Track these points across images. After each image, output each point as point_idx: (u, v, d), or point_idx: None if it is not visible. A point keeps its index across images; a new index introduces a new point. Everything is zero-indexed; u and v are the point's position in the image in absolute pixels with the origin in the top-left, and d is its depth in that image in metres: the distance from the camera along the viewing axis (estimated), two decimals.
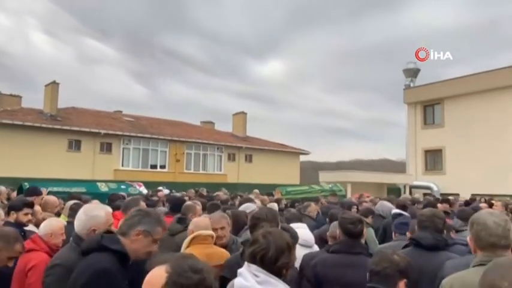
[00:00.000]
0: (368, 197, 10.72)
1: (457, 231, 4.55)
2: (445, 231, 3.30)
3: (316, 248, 3.85)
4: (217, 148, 28.91)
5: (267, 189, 14.99)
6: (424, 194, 20.20)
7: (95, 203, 5.01)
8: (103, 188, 9.53)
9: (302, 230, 3.82)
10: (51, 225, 3.35)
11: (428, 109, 27.33)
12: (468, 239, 2.16)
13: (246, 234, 4.20)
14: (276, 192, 12.15)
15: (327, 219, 5.21)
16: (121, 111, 31.95)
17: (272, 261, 1.90)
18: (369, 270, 2.26)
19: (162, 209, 6.47)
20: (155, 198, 8.23)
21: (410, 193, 24.58)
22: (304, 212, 6.07)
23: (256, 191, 13.09)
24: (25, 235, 3.41)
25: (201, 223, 3.46)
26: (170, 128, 29.50)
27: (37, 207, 4.78)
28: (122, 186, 9.91)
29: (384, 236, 5.89)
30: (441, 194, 20.72)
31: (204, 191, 11.42)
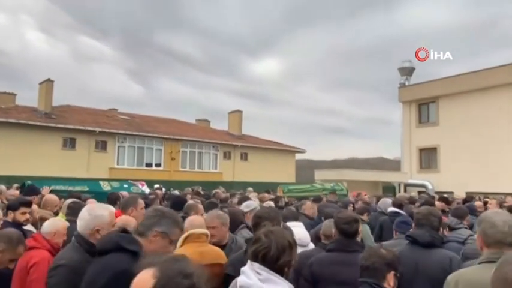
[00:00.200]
0: (365, 195, 10.79)
1: (453, 229, 4.58)
2: (441, 229, 3.34)
3: (311, 246, 3.87)
4: (213, 146, 28.88)
5: (263, 188, 14.99)
6: (419, 192, 20.30)
7: (91, 202, 5.01)
8: (105, 186, 9.46)
9: (298, 229, 3.84)
10: (56, 225, 3.37)
11: (423, 107, 27.43)
12: (476, 236, 2.24)
13: (242, 233, 4.21)
14: (278, 191, 12.18)
15: (322, 218, 5.24)
16: (116, 109, 31.85)
17: (274, 259, 1.93)
18: (359, 265, 2.33)
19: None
20: (152, 196, 8.21)
21: (405, 191, 24.70)
22: (300, 210, 6.09)
23: (250, 189, 13.11)
24: (25, 235, 3.40)
25: (195, 222, 3.46)
26: (165, 126, 29.43)
27: (34, 206, 4.76)
28: (125, 185, 9.84)
29: (380, 233, 5.95)
30: (436, 192, 20.82)
31: (200, 190, 11.41)
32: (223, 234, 3.72)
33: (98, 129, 23.37)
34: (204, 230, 3.37)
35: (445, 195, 8.69)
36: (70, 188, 8.91)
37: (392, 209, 6.41)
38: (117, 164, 24.52)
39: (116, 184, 9.89)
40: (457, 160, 23.89)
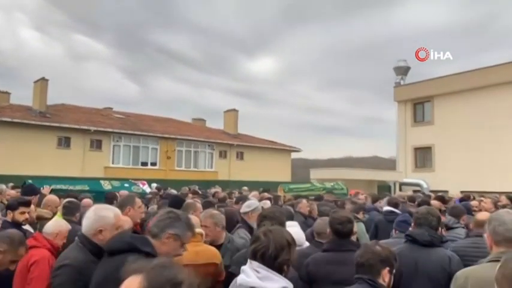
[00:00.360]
0: (362, 194, 10.87)
1: (450, 228, 4.61)
2: (440, 229, 3.38)
3: (307, 245, 3.90)
4: (209, 145, 28.85)
5: (258, 187, 14.99)
6: (414, 191, 20.39)
7: (88, 202, 5.00)
8: (106, 186, 9.38)
9: (293, 229, 3.85)
10: (60, 226, 3.40)
11: (418, 107, 27.55)
12: (485, 236, 2.28)
13: (238, 233, 4.21)
14: (279, 190, 12.21)
15: (317, 216, 5.28)
16: (111, 108, 31.75)
17: (272, 257, 1.97)
18: (355, 263, 2.37)
19: (154, 207, 6.45)
20: (149, 196, 8.20)
21: (400, 190, 24.80)
22: (296, 209, 6.11)
23: (245, 188, 13.13)
24: (25, 235, 3.41)
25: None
26: (161, 125, 29.37)
27: (31, 206, 4.75)
28: (126, 185, 9.77)
29: (375, 233, 5.98)
30: (430, 191, 20.93)
31: (196, 189, 11.39)
32: (217, 234, 3.70)
33: (93, 128, 23.28)
34: (199, 230, 3.38)
35: (441, 194, 8.74)
36: (71, 187, 8.87)
37: (387, 208, 6.46)
38: (113, 163, 24.43)
39: (116, 183, 9.81)
40: (451, 159, 24.02)
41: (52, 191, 7.39)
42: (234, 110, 32.97)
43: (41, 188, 7.18)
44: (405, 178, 26.58)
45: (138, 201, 3.86)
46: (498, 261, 1.88)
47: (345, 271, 2.82)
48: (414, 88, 27.44)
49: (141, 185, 10.13)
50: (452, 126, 24.33)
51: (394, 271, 2.32)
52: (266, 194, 8.53)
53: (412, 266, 2.96)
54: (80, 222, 5.05)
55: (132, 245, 2.20)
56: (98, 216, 2.62)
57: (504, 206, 6.73)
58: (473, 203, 7.40)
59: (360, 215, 6.03)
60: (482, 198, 9.10)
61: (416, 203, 7.31)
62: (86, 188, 8.93)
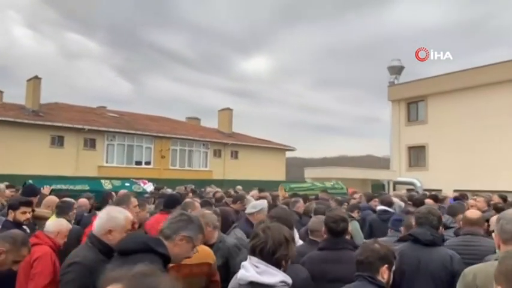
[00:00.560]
0: (356, 193, 10.97)
1: (447, 227, 4.65)
2: (441, 228, 3.42)
3: (300, 242, 3.92)
4: (203, 144, 28.81)
5: (253, 186, 14.99)
6: (408, 190, 20.50)
7: (82, 202, 4.99)
8: (107, 185, 9.25)
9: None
10: (61, 225, 3.44)
11: (412, 106, 27.69)
12: (493, 234, 2.34)
13: (235, 233, 4.22)
14: (279, 189, 12.25)
15: (311, 215, 5.29)
16: (105, 107, 31.59)
17: (270, 253, 2.04)
18: (355, 261, 2.43)
19: (151, 206, 6.43)
20: (146, 195, 8.16)
21: (394, 189, 24.93)
22: (293, 208, 6.12)
23: (239, 187, 13.14)
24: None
25: None
26: (155, 124, 29.28)
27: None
28: (126, 184, 9.66)
29: (370, 232, 6.02)
30: (424, 190, 21.07)
31: (192, 188, 11.39)
32: (208, 233, 3.70)
33: (86, 127, 23.16)
34: None
35: (434, 193, 8.80)
36: (71, 187, 8.80)
37: (381, 207, 6.50)
38: (106, 162, 24.33)
39: (117, 183, 9.70)
40: (445, 158, 24.19)
41: (52, 191, 7.36)
42: (229, 109, 32.96)
43: (41, 188, 7.17)
44: (399, 177, 26.72)
45: (134, 200, 3.87)
46: None
47: (339, 269, 2.87)
48: (408, 87, 27.58)
49: (142, 184, 10.03)
50: (445, 125, 24.49)
51: (393, 268, 2.38)
52: (268, 194, 8.52)
53: (414, 265, 3.00)
54: (78, 222, 5.07)
55: (148, 246, 2.23)
56: (109, 217, 2.67)
57: (496, 205, 6.79)
58: (470, 202, 7.45)
59: (355, 214, 6.07)
60: (475, 197, 9.17)
61: (411, 202, 7.34)
62: (86, 187, 8.83)
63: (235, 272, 3.21)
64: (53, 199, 5.30)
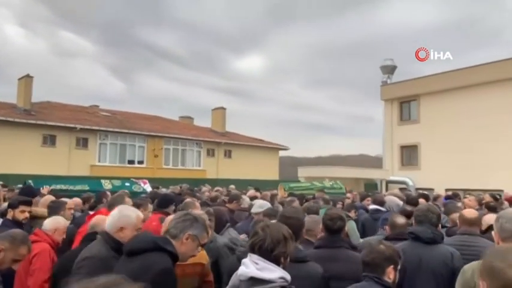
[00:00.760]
0: (351, 192, 11.04)
1: (443, 226, 4.69)
2: (439, 226, 3.46)
3: None
4: (196, 143, 28.75)
5: (246, 185, 15.02)
6: (400, 189, 20.64)
7: (76, 201, 4.98)
8: (107, 185, 9.22)
9: None
10: (58, 223, 3.50)
11: (405, 105, 27.85)
12: (493, 232, 2.41)
13: (229, 233, 4.22)
14: (279, 188, 12.30)
15: (305, 214, 5.30)
16: (98, 106, 31.40)
17: (269, 250, 2.10)
18: (361, 262, 2.49)
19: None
20: (143, 195, 8.13)
21: (387, 188, 25.08)
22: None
23: (232, 186, 13.17)
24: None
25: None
26: (148, 123, 29.16)
27: None
28: (126, 184, 9.63)
29: (362, 231, 6.05)
30: (416, 189, 21.22)
31: (187, 187, 11.36)
32: None
33: (78, 126, 23.01)
34: None
35: (425, 192, 8.88)
36: (71, 187, 8.77)
37: (373, 206, 6.53)
38: (99, 162, 24.19)
39: (117, 182, 9.65)
40: (437, 157, 24.37)
41: (52, 191, 7.35)
42: (222, 108, 32.92)
43: (41, 188, 7.15)
44: (391, 176, 26.87)
45: (129, 200, 3.88)
46: None
47: (335, 267, 2.90)
48: (400, 87, 27.73)
49: (142, 184, 9.99)
50: (437, 125, 24.67)
51: (398, 267, 2.45)
52: (268, 194, 8.53)
53: (416, 263, 3.04)
54: (71, 222, 5.05)
55: (157, 244, 2.32)
56: (121, 215, 2.76)
57: (488, 203, 6.87)
58: (466, 201, 7.53)
59: (352, 214, 6.08)
60: (467, 196, 9.26)
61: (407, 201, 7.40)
62: (86, 187, 8.78)
63: (225, 273, 3.23)
64: (50, 198, 5.31)
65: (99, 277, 1.04)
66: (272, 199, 7.89)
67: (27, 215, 4.19)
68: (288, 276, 2.09)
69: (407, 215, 5.10)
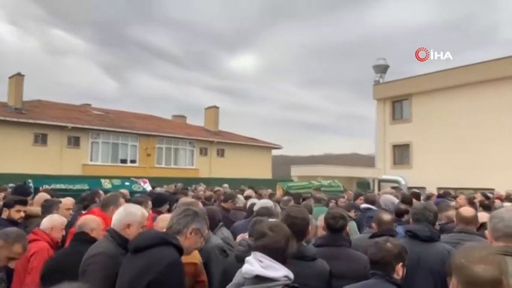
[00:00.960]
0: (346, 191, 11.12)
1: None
2: (437, 223, 3.50)
3: None
4: (189, 142, 28.67)
5: (239, 184, 15.03)
6: (392, 188, 20.77)
7: (68, 200, 4.95)
8: (106, 184, 9.19)
9: None
10: (54, 221, 3.54)
11: (397, 105, 28.02)
12: (486, 232, 2.46)
13: (222, 232, 4.21)
14: (277, 188, 12.32)
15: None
16: (90, 105, 31.20)
17: (282, 250, 2.14)
18: (368, 259, 2.53)
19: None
20: (137, 194, 8.09)
21: (379, 187, 25.22)
22: (285, 207, 6.14)
23: (226, 185, 13.19)
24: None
25: (164, 219, 3.44)
26: (141, 121, 29.02)
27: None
28: (126, 183, 9.59)
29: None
30: (408, 188, 21.37)
31: (181, 187, 11.37)
32: None
33: (70, 125, 22.82)
34: None
35: (417, 191, 8.94)
36: (70, 187, 8.73)
37: (364, 205, 6.59)
38: (91, 161, 24.03)
39: (117, 182, 9.61)
40: (429, 156, 24.56)
41: (51, 190, 7.33)
42: (215, 107, 32.88)
43: (40, 188, 7.13)
44: (384, 175, 27.03)
45: (123, 201, 3.86)
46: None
47: (336, 265, 2.91)
48: (393, 86, 27.89)
49: (142, 183, 9.94)
50: (429, 124, 24.85)
51: (406, 263, 2.50)
52: (266, 192, 8.52)
53: (414, 261, 3.07)
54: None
55: (165, 239, 2.41)
56: (127, 212, 2.82)
57: (482, 202, 6.95)
58: (461, 201, 7.61)
59: (352, 213, 6.09)
60: (456, 195, 9.36)
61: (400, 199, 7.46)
62: (86, 187, 8.73)
63: (216, 274, 3.23)
64: (45, 197, 5.28)
65: (61, 285, 1.07)
66: (270, 198, 7.90)
67: (22, 214, 4.21)
68: (291, 275, 2.11)
69: (401, 213, 5.17)
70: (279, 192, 11.02)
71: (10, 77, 23.78)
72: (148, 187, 9.87)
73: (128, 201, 4.91)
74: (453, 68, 24.32)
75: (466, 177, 21.16)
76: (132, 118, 29.55)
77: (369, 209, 6.30)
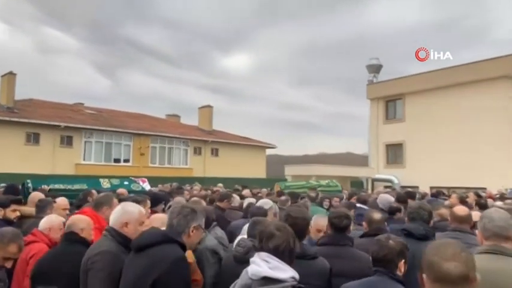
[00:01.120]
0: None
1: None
2: (431, 222, 3.54)
3: None
4: (183, 142, 28.60)
5: (233, 183, 15.02)
6: (385, 187, 20.88)
7: (63, 200, 4.92)
8: (105, 184, 9.13)
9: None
10: (51, 221, 3.50)
11: (390, 104, 28.15)
12: (477, 231, 2.54)
13: (215, 232, 4.21)
14: (275, 187, 12.33)
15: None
16: (82, 104, 31.03)
17: (290, 251, 2.14)
18: (371, 257, 2.56)
19: None
20: (131, 194, 8.05)
21: (373, 186, 25.35)
22: (283, 207, 6.15)
23: (220, 185, 13.18)
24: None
25: (157, 219, 3.42)
26: (134, 121, 28.91)
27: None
28: (125, 183, 9.51)
29: None
30: (401, 187, 21.49)
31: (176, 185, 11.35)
32: None
33: (63, 124, 22.67)
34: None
35: (412, 190, 9.01)
36: (69, 187, 8.69)
37: (358, 205, 6.65)
38: (84, 160, 23.89)
39: (116, 181, 9.55)
40: (421, 156, 24.70)
41: (50, 191, 7.30)
42: (209, 106, 32.83)
43: (39, 188, 7.09)
44: (377, 174, 27.16)
45: (116, 201, 3.85)
46: (487, 253, 2.24)
47: (338, 264, 2.92)
48: (386, 86, 28.02)
49: (141, 183, 9.89)
50: (422, 123, 24.99)
51: (407, 259, 2.55)
52: (265, 191, 8.51)
53: (409, 258, 3.09)
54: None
55: (169, 237, 2.47)
56: (124, 211, 2.83)
57: (479, 201, 7.04)
58: (453, 200, 7.70)
59: (352, 213, 6.15)
60: (449, 195, 9.44)
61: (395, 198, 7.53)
62: (85, 187, 8.66)
63: (208, 277, 3.22)
64: (38, 196, 5.24)
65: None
66: (266, 198, 7.91)
67: (18, 214, 4.21)
68: (297, 275, 2.10)
69: (393, 211, 5.30)
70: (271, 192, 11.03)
71: (2, 76, 23.61)
72: (147, 186, 9.84)
73: (121, 200, 4.89)
74: (446, 68, 24.47)
75: (459, 176, 21.31)
76: (126, 117, 29.43)
77: (361, 208, 6.36)
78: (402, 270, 2.47)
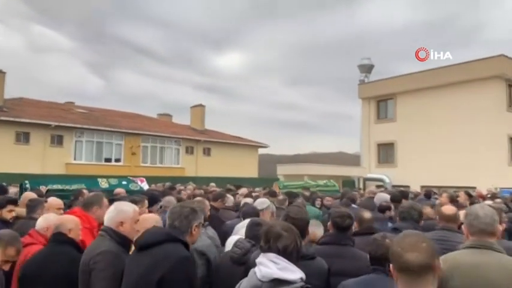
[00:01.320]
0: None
1: None
2: (421, 221, 3.58)
3: None
4: (175, 141, 28.51)
5: (226, 183, 14.99)
6: (377, 186, 20.99)
7: (55, 200, 4.87)
8: (103, 184, 9.08)
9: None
10: (48, 221, 3.46)
11: (382, 104, 28.30)
12: (463, 227, 2.61)
13: (207, 232, 4.20)
14: (274, 187, 12.33)
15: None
16: (73, 103, 30.80)
17: (298, 250, 2.15)
18: (368, 255, 2.62)
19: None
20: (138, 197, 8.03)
21: (364, 185, 25.46)
22: (281, 206, 6.16)
23: (213, 184, 13.16)
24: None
25: (149, 219, 3.41)
26: (125, 120, 28.75)
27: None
28: (123, 182, 9.47)
29: None
30: (393, 186, 21.62)
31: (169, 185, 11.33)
32: None
33: (53, 123, 22.47)
34: None
35: (405, 190, 9.07)
36: (67, 187, 8.62)
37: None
38: (75, 160, 23.70)
39: (114, 181, 9.49)
40: (412, 155, 24.86)
41: (48, 191, 7.25)
42: (201, 105, 32.75)
43: (36, 189, 7.04)
44: (369, 173, 27.30)
45: (106, 201, 3.82)
46: (473, 247, 2.32)
47: (339, 263, 2.96)
48: (377, 86, 28.16)
49: (139, 182, 9.83)
50: (413, 123, 25.15)
51: None
52: (262, 191, 8.51)
53: None
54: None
55: (173, 236, 2.49)
56: (118, 210, 2.84)
57: (473, 201, 7.11)
58: (443, 199, 7.79)
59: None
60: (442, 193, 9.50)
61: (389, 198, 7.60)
62: (83, 186, 8.63)
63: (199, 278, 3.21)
64: (30, 196, 5.19)
65: None
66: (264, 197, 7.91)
67: (14, 214, 4.18)
68: (304, 276, 2.10)
69: (383, 209, 5.45)
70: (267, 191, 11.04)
71: None
72: (145, 186, 9.79)
73: (112, 200, 4.86)
74: (437, 68, 24.63)
75: (449, 175, 21.49)
76: (117, 116, 29.26)
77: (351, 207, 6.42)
78: None
